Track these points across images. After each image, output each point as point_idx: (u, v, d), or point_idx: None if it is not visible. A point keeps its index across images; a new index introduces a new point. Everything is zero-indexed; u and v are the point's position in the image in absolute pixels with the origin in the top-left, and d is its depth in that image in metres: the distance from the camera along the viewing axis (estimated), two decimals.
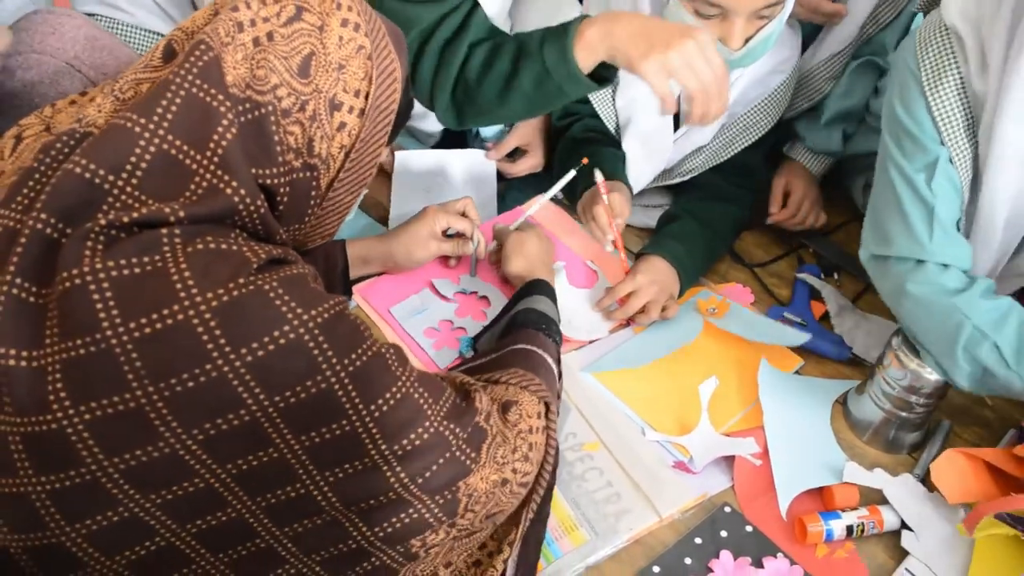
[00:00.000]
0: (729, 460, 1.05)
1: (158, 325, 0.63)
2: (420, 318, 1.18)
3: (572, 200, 1.33)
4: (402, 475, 0.73)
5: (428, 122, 1.49)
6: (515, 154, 1.47)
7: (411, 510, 0.75)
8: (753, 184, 1.38)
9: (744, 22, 1.10)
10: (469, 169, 1.45)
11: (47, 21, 1.04)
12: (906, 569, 0.94)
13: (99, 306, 0.63)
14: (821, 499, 1.01)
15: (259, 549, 0.73)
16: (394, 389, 0.72)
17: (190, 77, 0.69)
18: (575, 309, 1.22)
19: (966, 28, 0.95)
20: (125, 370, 0.63)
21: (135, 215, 0.66)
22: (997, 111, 0.92)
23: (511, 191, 1.44)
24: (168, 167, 0.68)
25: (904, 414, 1.05)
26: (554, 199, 1.37)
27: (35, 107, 0.82)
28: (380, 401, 0.71)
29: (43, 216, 0.65)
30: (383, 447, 0.71)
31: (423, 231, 1.18)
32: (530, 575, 0.89)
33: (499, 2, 1.37)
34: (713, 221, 1.31)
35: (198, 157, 0.69)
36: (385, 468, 0.72)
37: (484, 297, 1.22)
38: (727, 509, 0.99)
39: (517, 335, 1.02)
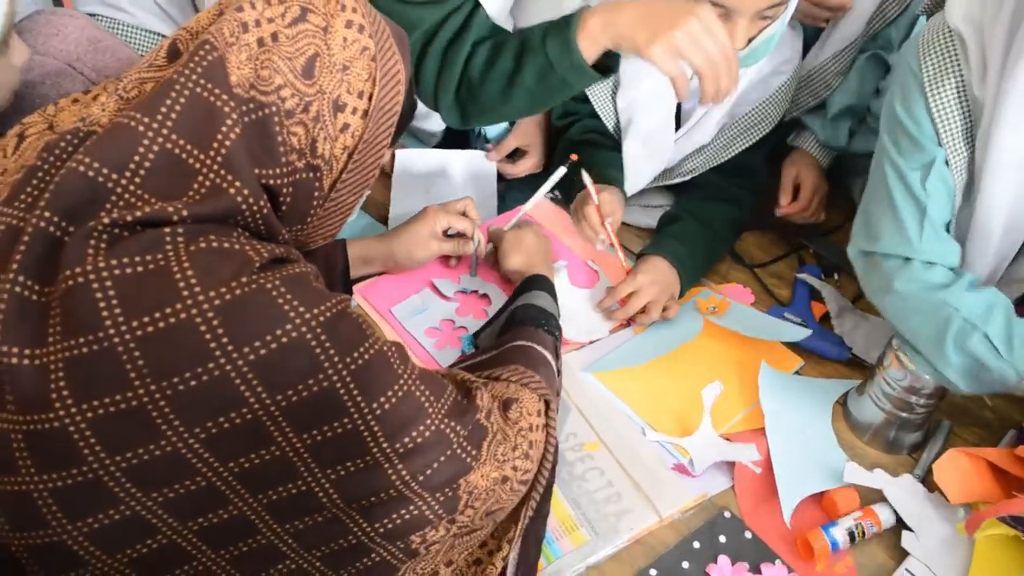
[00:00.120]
0: (730, 461, 1.04)
1: (161, 324, 0.64)
2: (421, 318, 1.18)
3: (569, 201, 1.33)
4: (403, 473, 0.73)
5: (430, 122, 1.50)
6: (515, 155, 1.47)
7: (411, 507, 0.75)
8: (753, 185, 1.38)
9: (747, 22, 1.10)
10: (469, 169, 1.46)
11: (50, 22, 1.04)
12: (906, 569, 0.94)
13: (102, 304, 0.63)
14: (821, 505, 1.00)
15: (260, 546, 0.73)
16: (396, 387, 0.72)
17: (194, 77, 0.69)
18: (576, 309, 1.23)
19: (969, 31, 0.95)
20: (127, 369, 0.63)
21: (138, 214, 0.66)
22: (995, 117, 0.92)
23: (511, 191, 1.44)
24: (171, 166, 0.68)
25: (904, 415, 1.05)
26: (554, 200, 1.37)
27: (36, 107, 0.82)
28: (382, 399, 0.71)
29: (46, 214, 0.65)
30: (385, 445, 0.71)
31: (424, 231, 1.18)
32: (530, 574, 0.89)
33: (500, 1, 1.37)
34: (714, 221, 1.32)
35: (201, 157, 0.69)
36: (386, 466, 0.72)
37: (485, 296, 1.22)
38: (727, 514, 0.99)
39: (516, 331, 1.02)
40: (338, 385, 0.68)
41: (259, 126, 0.71)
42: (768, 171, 1.42)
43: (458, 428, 0.78)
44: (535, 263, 1.18)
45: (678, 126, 1.36)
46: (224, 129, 0.69)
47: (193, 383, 0.64)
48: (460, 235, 1.21)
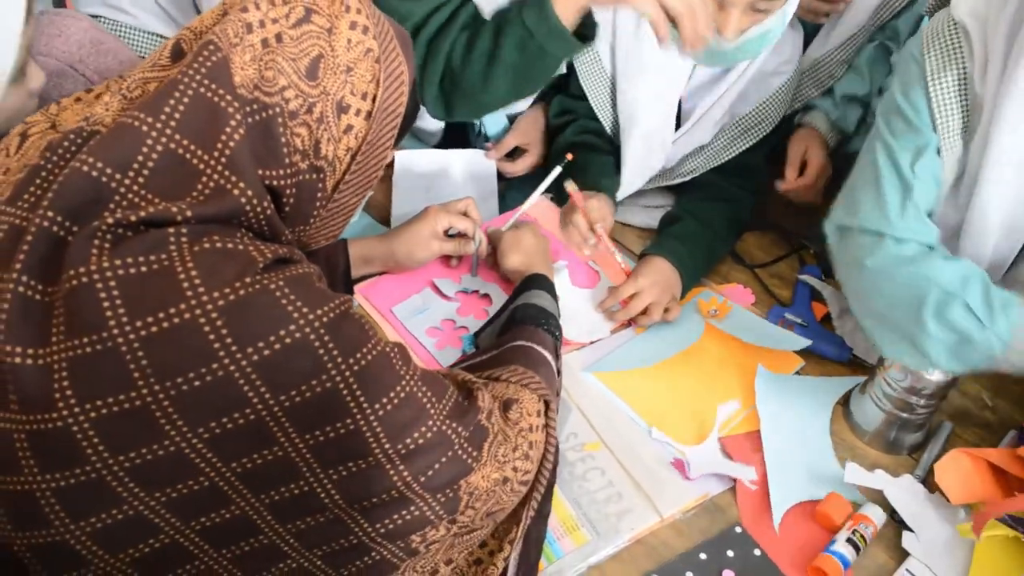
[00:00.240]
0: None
1: (164, 324, 0.64)
2: (422, 318, 1.18)
3: (562, 203, 1.34)
4: (405, 474, 0.73)
5: (429, 120, 1.49)
6: (515, 153, 1.47)
7: (412, 508, 0.75)
8: (754, 185, 1.38)
9: (740, 13, 1.11)
10: (470, 168, 1.46)
11: (53, 23, 1.04)
12: (906, 570, 0.94)
13: (106, 304, 0.63)
14: (815, 518, 0.99)
15: (262, 545, 0.74)
16: (398, 388, 0.72)
17: (198, 77, 0.69)
18: (577, 309, 1.23)
19: (974, 25, 0.94)
20: (131, 369, 0.63)
21: (142, 214, 0.66)
22: (994, 116, 0.92)
23: (511, 191, 1.44)
24: (175, 166, 0.68)
25: (905, 415, 1.05)
26: (553, 200, 1.37)
27: (38, 108, 0.82)
28: (384, 400, 0.71)
29: (50, 214, 0.65)
30: (387, 446, 0.72)
31: (425, 231, 1.18)
32: (531, 574, 0.89)
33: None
34: (714, 222, 1.32)
35: (205, 157, 0.69)
36: (388, 467, 0.72)
37: (486, 295, 1.22)
38: (738, 530, 0.97)
39: (516, 331, 1.02)
40: (341, 386, 0.68)
41: (263, 127, 0.71)
42: (768, 171, 1.42)
43: (459, 429, 0.78)
44: (534, 262, 1.18)
45: (678, 126, 1.37)
46: (228, 130, 0.69)
47: (197, 383, 0.64)
48: (461, 235, 1.21)
